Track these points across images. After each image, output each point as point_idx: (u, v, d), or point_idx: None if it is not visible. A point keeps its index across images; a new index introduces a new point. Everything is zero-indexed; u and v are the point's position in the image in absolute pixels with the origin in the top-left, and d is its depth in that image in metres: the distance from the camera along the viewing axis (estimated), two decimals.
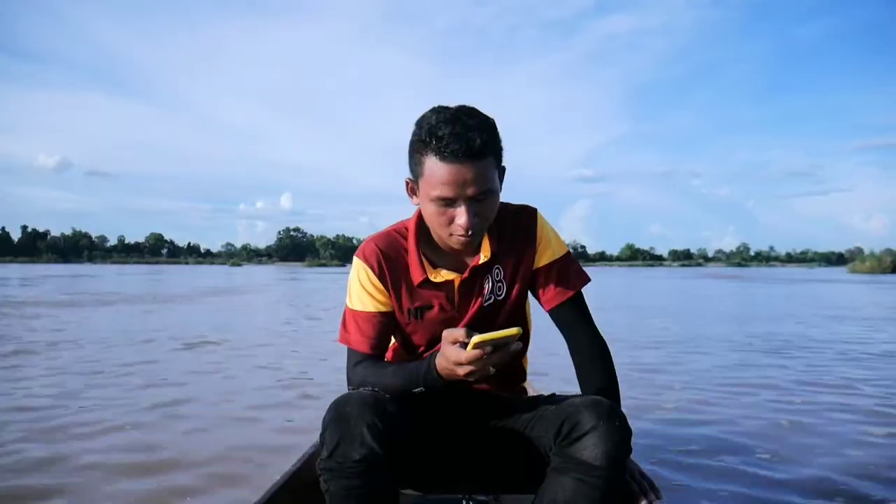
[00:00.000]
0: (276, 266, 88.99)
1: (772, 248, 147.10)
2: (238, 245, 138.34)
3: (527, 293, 1.54)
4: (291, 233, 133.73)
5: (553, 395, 1.44)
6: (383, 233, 1.50)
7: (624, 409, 1.31)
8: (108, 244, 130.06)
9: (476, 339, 1.17)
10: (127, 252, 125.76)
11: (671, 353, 5.68)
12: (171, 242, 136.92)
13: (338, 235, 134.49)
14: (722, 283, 25.84)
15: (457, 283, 1.45)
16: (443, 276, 1.44)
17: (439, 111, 1.30)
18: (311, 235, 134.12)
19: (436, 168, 1.27)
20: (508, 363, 1.35)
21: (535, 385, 2.11)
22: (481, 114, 1.32)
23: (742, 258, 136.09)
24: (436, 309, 1.45)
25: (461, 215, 1.30)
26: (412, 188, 1.38)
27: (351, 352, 1.47)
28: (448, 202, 1.30)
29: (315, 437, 1.38)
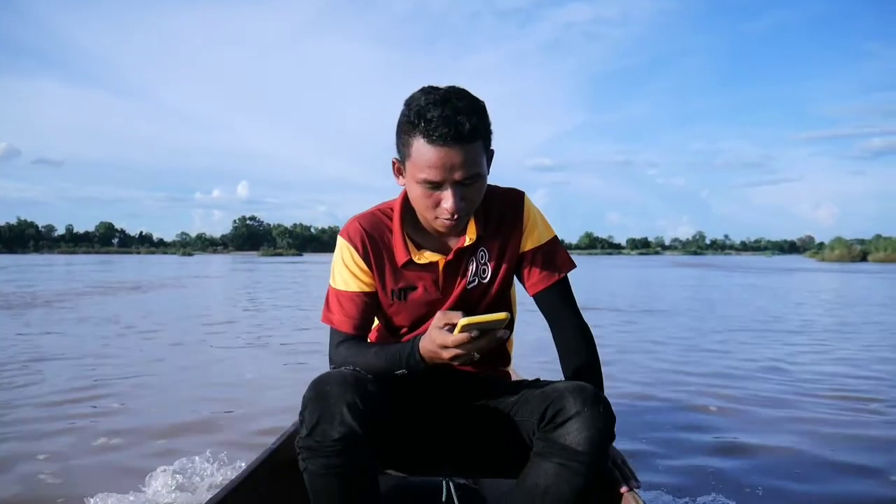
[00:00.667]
0: (231, 255, 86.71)
1: (727, 236, 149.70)
2: (193, 234, 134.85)
3: (512, 277, 1.53)
4: (248, 221, 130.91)
5: (537, 379, 1.46)
6: (368, 213, 1.50)
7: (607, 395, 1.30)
8: (56, 234, 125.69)
9: (464, 321, 1.18)
10: (75, 242, 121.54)
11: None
12: (123, 231, 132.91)
13: (295, 224, 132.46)
14: (719, 274, 23.84)
15: (441, 265, 1.44)
16: (427, 257, 1.43)
17: (429, 92, 1.29)
18: (268, 224, 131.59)
19: (423, 151, 1.27)
20: (493, 348, 1.34)
21: (519, 370, 2.14)
22: (471, 95, 1.30)
23: (698, 246, 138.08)
24: (420, 290, 1.45)
25: (447, 199, 1.30)
26: (398, 168, 1.38)
27: (333, 331, 1.46)
28: (434, 185, 1.29)
29: (296, 416, 1.32)
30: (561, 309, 1.49)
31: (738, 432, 2.93)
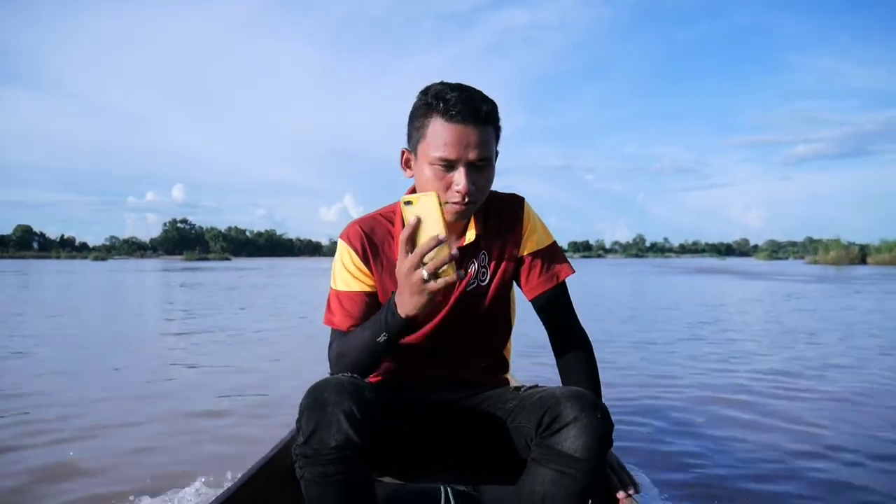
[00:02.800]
0: (156, 260, 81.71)
1: (666, 239, 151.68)
2: (125, 238, 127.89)
3: (511, 281, 1.52)
4: (178, 225, 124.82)
5: (536, 385, 1.43)
6: (368, 216, 1.52)
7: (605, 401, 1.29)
8: None
9: (404, 198, 1.22)
10: None
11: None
12: (42, 235, 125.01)
13: (230, 227, 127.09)
14: (766, 285, 18.02)
15: None
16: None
17: (444, 82, 1.35)
18: (200, 227, 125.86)
19: (440, 129, 1.31)
20: (491, 352, 1.55)
21: (518, 376, 2.14)
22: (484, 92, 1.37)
23: (639, 249, 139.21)
24: None
25: (460, 181, 1.32)
26: (407, 160, 1.41)
27: (333, 332, 1.44)
28: (448, 165, 1.32)
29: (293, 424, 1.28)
30: (559, 313, 1.50)
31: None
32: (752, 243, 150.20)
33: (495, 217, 1.50)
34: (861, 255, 37.91)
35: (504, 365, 1.61)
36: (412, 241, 1.21)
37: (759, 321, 8.35)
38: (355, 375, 1.28)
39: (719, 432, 3.07)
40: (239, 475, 1.53)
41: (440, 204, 1.20)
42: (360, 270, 1.45)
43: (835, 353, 5.52)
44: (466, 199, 1.33)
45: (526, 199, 1.55)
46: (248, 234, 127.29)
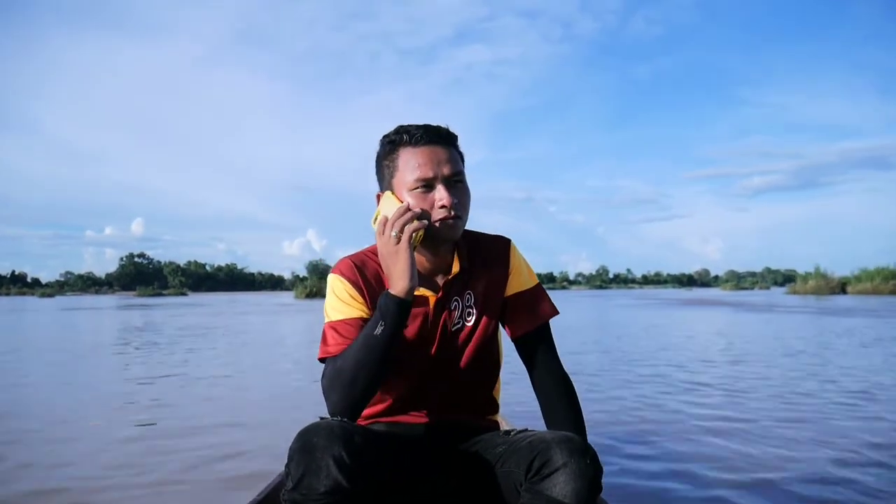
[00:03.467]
0: (111, 296, 79.12)
1: (629, 270, 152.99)
2: (82, 273, 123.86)
3: (497, 322, 1.55)
4: (136, 259, 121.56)
5: (525, 429, 1.42)
6: (357, 254, 1.54)
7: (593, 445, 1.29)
8: None
9: (371, 221, 1.45)
10: None
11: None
12: None
13: (189, 262, 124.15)
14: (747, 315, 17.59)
15: (432, 302, 1.48)
16: (419, 291, 1.45)
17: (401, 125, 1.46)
18: (159, 262, 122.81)
19: (410, 156, 1.40)
20: (479, 393, 1.57)
21: (508, 418, 2.24)
22: None
23: (602, 280, 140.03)
24: (410, 326, 1.45)
25: (441, 195, 1.38)
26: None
27: (328, 361, 1.42)
28: (427, 184, 1.39)
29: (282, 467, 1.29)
30: (541, 354, 1.52)
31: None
32: (712, 274, 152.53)
33: (481, 257, 1.53)
34: (840, 284, 37.58)
35: (493, 406, 1.62)
36: (384, 226, 1.37)
37: (873, 371, 6.45)
38: (345, 420, 1.28)
39: (714, 475, 2.99)
40: None
41: (393, 195, 1.42)
42: (353, 297, 1.46)
43: None
44: (453, 212, 1.38)
45: (512, 240, 1.59)
46: (207, 268, 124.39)
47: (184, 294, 76.44)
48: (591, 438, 1.43)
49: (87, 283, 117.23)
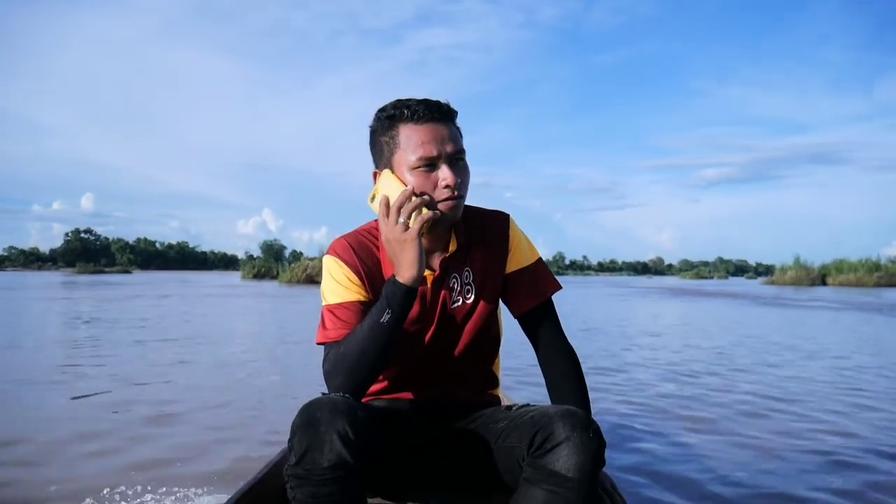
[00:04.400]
0: (53, 273, 76.00)
1: (585, 257, 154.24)
2: (27, 248, 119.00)
3: (497, 298, 1.53)
4: (82, 235, 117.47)
5: (527, 404, 1.42)
6: (352, 233, 1.51)
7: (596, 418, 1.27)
8: None
9: (368, 199, 1.40)
10: None
11: None
12: None
13: (139, 239, 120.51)
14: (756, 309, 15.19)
15: (430, 280, 1.46)
16: None
17: (398, 98, 1.40)
18: (106, 239, 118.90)
19: (412, 133, 1.35)
20: (480, 369, 1.56)
21: (509, 393, 2.17)
22: None
23: (559, 267, 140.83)
24: None
25: (445, 174, 1.35)
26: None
27: (328, 346, 1.39)
28: (430, 163, 1.35)
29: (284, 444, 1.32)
30: (546, 330, 1.51)
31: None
32: (666, 262, 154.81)
33: (479, 233, 1.51)
34: (821, 276, 35.31)
35: (493, 381, 1.61)
36: (387, 208, 1.33)
37: None
38: (348, 395, 1.26)
39: (720, 454, 2.98)
40: (227, 497, 1.46)
41: (394, 174, 1.37)
42: (351, 280, 1.43)
43: None
44: (456, 192, 1.36)
45: (511, 215, 1.57)
46: (157, 245, 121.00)
47: (128, 272, 73.56)
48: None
49: (30, 259, 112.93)
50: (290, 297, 18.02)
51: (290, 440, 1.18)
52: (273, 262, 36.28)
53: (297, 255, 31.58)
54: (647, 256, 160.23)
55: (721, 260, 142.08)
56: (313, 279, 27.07)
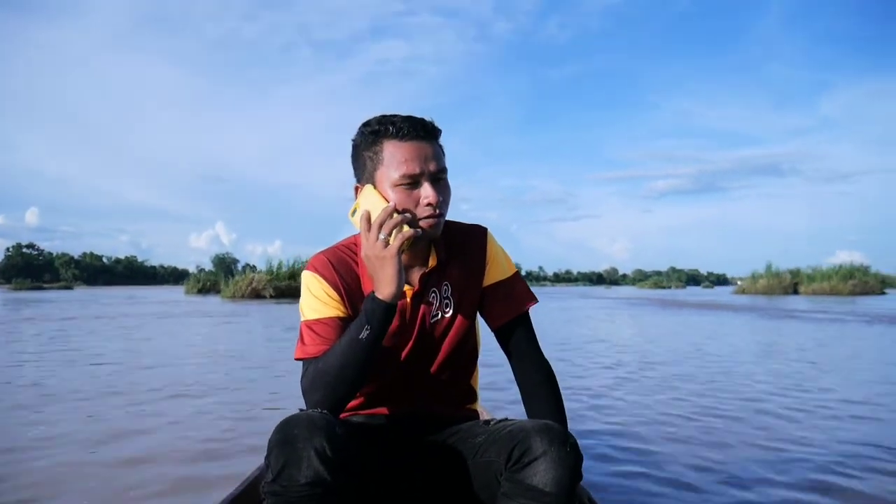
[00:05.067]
0: None
1: (541, 268, 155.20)
2: None
3: (475, 312, 1.54)
4: (24, 250, 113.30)
5: (505, 419, 1.42)
6: (331, 248, 1.51)
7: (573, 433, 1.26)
8: None
9: (349, 214, 1.43)
10: None
11: None
12: None
13: (84, 253, 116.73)
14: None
15: (409, 295, 1.46)
16: None
17: (381, 115, 1.41)
18: (50, 253, 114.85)
19: (395, 150, 1.36)
20: (458, 383, 1.55)
21: (488, 406, 2.20)
22: None
23: None
24: None
25: (427, 192, 1.36)
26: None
27: (306, 363, 1.40)
28: (413, 181, 1.35)
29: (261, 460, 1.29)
30: (522, 344, 1.51)
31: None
32: (620, 272, 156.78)
33: (458, 246, 1.51)
34: (793, 284, 33.13)
35: (472, 395, 1.61)
36: (368, 223, 1.33)
37: None
38: (325, 412, 1.25)
39: (698, 470, 2.85)
40: None
41: (376, 190, 1.37)
42: (330, 296, 1.43)
43: None
44: (437, 211, 1.37)
45: (489, 229, 1.58)
46: (105, 260, 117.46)
47: (69, 288, 70.72)
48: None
49: None
50: (228, 315, 14.96)
51: (266, 456, 1.17)
52: (220, 276, 34.96)
53: (251, 269, 30.25)
54: (601, 267, 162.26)
55: (674, 269, 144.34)
56: (259, 293, 25.96)
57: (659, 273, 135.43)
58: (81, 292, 49.75)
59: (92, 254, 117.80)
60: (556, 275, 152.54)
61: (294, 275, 26.71)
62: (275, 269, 27.78)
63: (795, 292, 32.64)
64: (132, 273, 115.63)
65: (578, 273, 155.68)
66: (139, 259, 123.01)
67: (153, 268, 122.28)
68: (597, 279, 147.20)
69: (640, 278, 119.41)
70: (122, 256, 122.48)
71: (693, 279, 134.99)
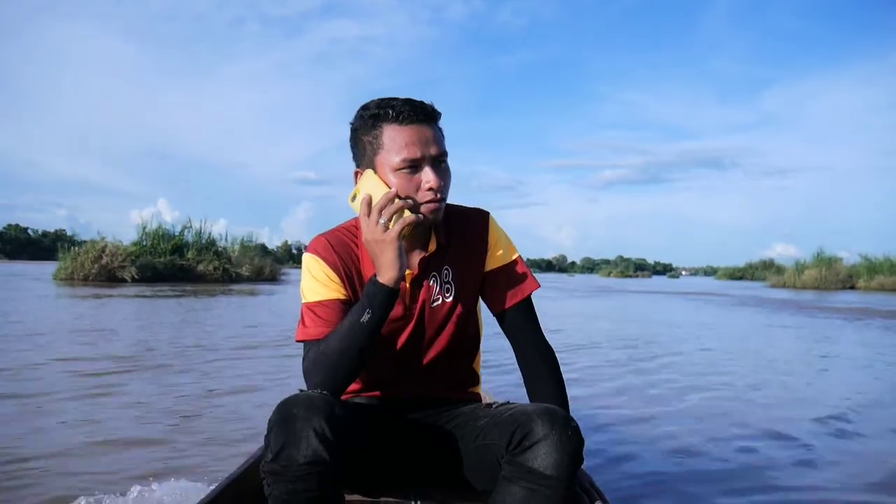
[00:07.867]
0: None
1: None
2: None
3: (477, 296, 1.54)
4: None
5: (507, 402, 1.43)
6: (331, 231, 1.50)
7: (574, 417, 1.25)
8: None
9: (349, 199, 1.40)
10: None
11: None
12: None
13: (9, 225, 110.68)
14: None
15: (409, 279, 1.45)
16: None
17: (379, 98, 1.39)
18: None
19: (396, 134, 1.35)
20: (460, 367, 1.55)
21: (490, 390, 2.15)
22: None
23: None
24: None
25: (429, 177, 1.35)
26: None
27: (307, 345, 1.39)
28: (414, 165, 1.34)
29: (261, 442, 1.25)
30: (525, 329, 1.51)
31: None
32: (569, 260, 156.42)
33: (459, 231, 1.51)
34: (849, 277, 26.85)
35: (474, 378, 1.61)
36: (369, 208, 1.31)
37: None
38: (325, 392, 1.25)
39: (701, 454, 2.92)
40: (203, 494, 1.47)
41: (377, 175, 1.35)
42: (331, 279, 1.43)
43: None
44: (439, 195, 1.36)
45: (491, 213, 1.56)
46: (30, 233, 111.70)
47: None
48: None
49: None
50: None
51: (266, 437, 1.17)
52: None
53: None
54: (549, 254, 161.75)
55: (621, 258, 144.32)
56: (115, 276, 19.16)
57: (607, 261, 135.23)
58: (12, 265, 45.53)
59: (17, 226, 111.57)
60: None
61: (180, 247, 20.95)
62: (145, 239, 21.28)
63: (852, 288, 26.26)
64: (60, 247, 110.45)
65: (528, 260, 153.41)
66: (69, 233, 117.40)
67: (84, 242, 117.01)
68: (546, 266, 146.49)
69: (589, 266, 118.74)
70: (52, 229, 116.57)
71: (640, 268, 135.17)
